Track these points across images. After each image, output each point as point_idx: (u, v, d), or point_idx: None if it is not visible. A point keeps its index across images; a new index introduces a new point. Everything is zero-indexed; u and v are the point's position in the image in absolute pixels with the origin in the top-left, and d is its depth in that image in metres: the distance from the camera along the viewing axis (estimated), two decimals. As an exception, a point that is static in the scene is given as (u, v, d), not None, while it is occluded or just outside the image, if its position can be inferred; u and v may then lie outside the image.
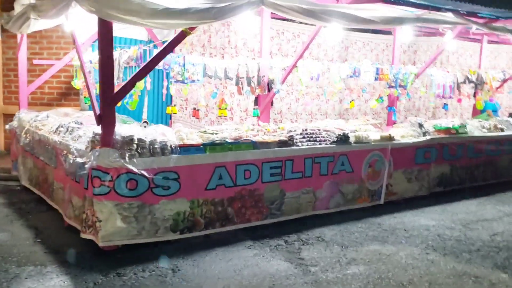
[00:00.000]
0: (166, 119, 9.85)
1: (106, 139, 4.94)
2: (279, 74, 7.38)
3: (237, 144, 5.71)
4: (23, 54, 8.43)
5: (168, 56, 6.29)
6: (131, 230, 5.04)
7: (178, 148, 5.26)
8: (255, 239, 5.55)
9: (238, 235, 5.66)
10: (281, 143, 6.10)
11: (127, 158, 4.88)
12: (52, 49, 9.42)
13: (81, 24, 9.17)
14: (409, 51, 11.76)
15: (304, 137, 6.38)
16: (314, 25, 7.13)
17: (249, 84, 7.06)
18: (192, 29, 5.18)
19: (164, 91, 6.46)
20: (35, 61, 8.96)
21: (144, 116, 10.04)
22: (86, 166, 4.92)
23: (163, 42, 9.90)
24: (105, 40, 4.87)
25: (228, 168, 5.62)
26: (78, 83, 8.47)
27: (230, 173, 5.63)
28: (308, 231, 5.91)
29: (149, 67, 5.17)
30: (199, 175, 5.41)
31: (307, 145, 6.34)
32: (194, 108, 6.89)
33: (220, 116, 6.91)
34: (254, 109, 7.35)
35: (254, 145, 5.84)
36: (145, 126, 7.31)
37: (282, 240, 5.56)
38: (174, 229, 5.30)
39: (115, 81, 6.88)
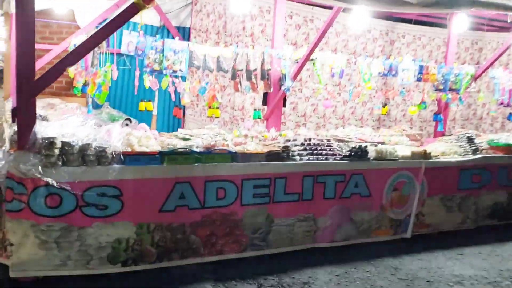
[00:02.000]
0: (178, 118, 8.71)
1: (21, 140, 3.82)
2: (291, 67, 5.99)
3: (209, 155, 4.42)
4: (14, 37, 7.60)
5: (142, 40, 5.10)
6: (52, 258, 3.90)
7: (122, 156, 4.05)
8: (220, 280, 4.25)
9: (203, 272, 4.38)
10: (272, 156, 4.74)
11: (40, 166, 3.73)
12: (45, 33, 8.53)
13: (84, 5, 8.36)
14: (472, 48, 9.87)
15: (305, 149, 4.97)
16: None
17: (249, 78, 5.72)
18: (148, 1, 3.94)
19: (136, 82, 5.29)
20: (30, 45, 8.09)
21: (154, 111, 9.01)
22: (-4, 173, 3.85)
23: (178, 28, 8.83)
24: (23, 9, 3.73)
25: (194, 185, 4.35)
26: (72, 71, 7.52)
27: (197, 191, 4.36)
28: (296, 272, 4.52)
29: (82, 50, 3.99)
30: (151, 192, 4.18)
31: (308, 159, 4.93)
32: (176, 106, 5.67)
33: (211, 117, 5.66)
34: (255, 110, 6.01)
35: (233, 156, 4.53)
36: (126, 125, 6.21)
37: (255, 285, 4.22)
38: (114, 260, 4.10)
39: (90, 68, 5.84)
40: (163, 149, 4.29)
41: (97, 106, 7.71)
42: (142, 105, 5.32)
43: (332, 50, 7.93)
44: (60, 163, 3.82)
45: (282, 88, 5.94)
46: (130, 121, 6.29)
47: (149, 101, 5.36)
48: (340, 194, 5.11)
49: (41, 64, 8.01)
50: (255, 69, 5.75)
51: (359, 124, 8.52)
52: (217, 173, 4.45)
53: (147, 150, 4.21)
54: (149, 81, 5.23)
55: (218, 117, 5.70)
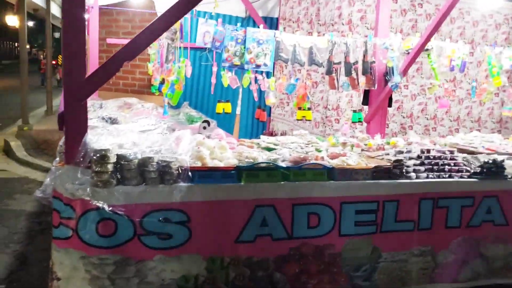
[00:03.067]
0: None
1: (69, 152, 3.10)
2: (399, 60, 4.88)
3: (298, 171, 3.47)
4: (94, 32, 7.16)
5: (221, 29, 4.26)
6: (105, 298, 3.17)
7: (190, 173, 3.22)
8: (312, 335, 3.29)
9: (290, 319, 3.46)
10: (380, 172, 3.70)
11: (89, 185, 2.99)
12: (127, 28, 8.03)
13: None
14: None
15: (422, 163, 3.87)
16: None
17: (348, 73, 4.70)
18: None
19: (213, 80, 4.45)
20: (108, 40, 7.65)
21: (238, 110, 8.23)
22: (38, 190, 3.18)
23: (265, 19, 7.96)
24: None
25: (280, 209, 3.43)
26: (150, 67, 6.93)
27: (283, 217, 3.44)
28: (411, 327, 3.46)
29: (139, 42, 3.19)
30: (225, 218, 3.32)
31: (427, 176, 3.83)
32: (259, 107, 4.77)
33: (301, 120, 4.71)
34: (354, 111, 4.97)
35: (329, 172, 3.55)
36: (204, 128, 5.45)
37: None
38: (179, 302, 3.30)
39: (165, 64, 5.14)
40: (240, 163, 3.40)
41: (176, 106, 7.09)
42: (220, 107, 4.48)
43: (446, 39, 6.65)
44: (114, 181, 3.06)
45: (389, 84, 4.85)
46: (209, 124, 5.52)
47: (228, 101, 4.51)
48: (467, 222, 3.95)
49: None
50: (356, 62, 4.72)
51: (475, 127, 7.15)
52: (309, 194, 3.49)
53: (221, 164, 3.35)
54: (228, 78, 4.39)
55: (309, 120, 4.75)
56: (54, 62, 21.48)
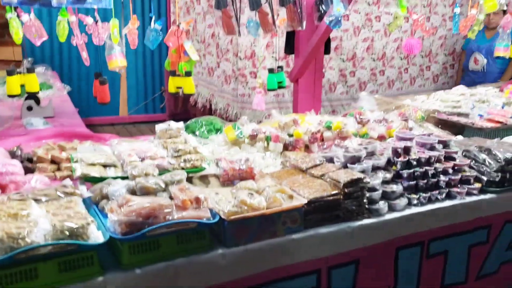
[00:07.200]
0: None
1: None
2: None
3: (140, 242, 1.50)
4: None
5: None
6: None
7: None
8: None
9: None
10: (320, 212, 1.80)
11: None
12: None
13: None
14: None
15: (398, 177, 2.02)
16: None
17: (256, 4, 2.64)
18: None
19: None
20: None
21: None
22: None
23: None
24: None
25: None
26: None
27: None
28: None
29: None
30: None
31: (408, 203, 1.99)
32: (97, 76, 2.61)
33: (176, 94, 2.62)
34: (270, 71, 2.96)
35: (214, 232, 1.61)
36: (29, 109, 3.38)
37: None
38: None
39: None
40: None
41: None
42: (14, 83, 2.26)
43: None
44: None
45: (326, 20, 2.85)
46: (38, 101, 3.41)
47: (31, 71, 2.28)
48: (477, 270, 2.21)
49: None
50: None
51: (425, 63, 5.42)
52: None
53: None
54: (21, 28, 2.21)
55: (191, 94, 2.68)
56: None
